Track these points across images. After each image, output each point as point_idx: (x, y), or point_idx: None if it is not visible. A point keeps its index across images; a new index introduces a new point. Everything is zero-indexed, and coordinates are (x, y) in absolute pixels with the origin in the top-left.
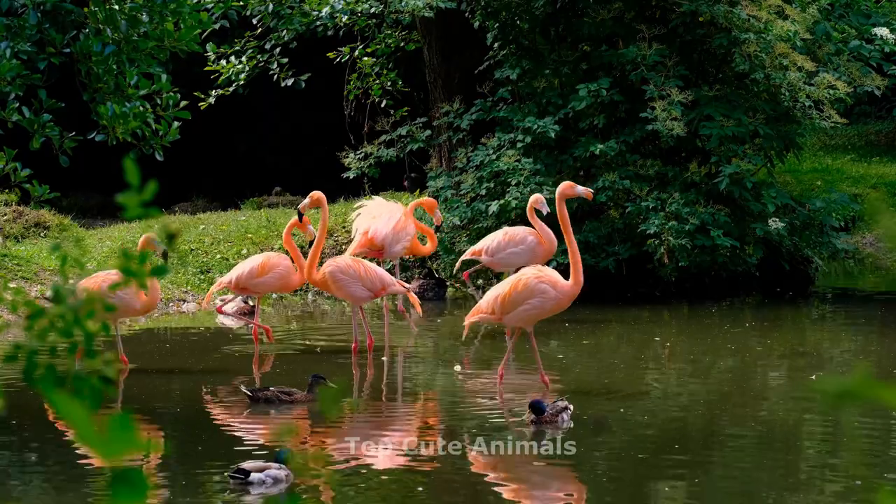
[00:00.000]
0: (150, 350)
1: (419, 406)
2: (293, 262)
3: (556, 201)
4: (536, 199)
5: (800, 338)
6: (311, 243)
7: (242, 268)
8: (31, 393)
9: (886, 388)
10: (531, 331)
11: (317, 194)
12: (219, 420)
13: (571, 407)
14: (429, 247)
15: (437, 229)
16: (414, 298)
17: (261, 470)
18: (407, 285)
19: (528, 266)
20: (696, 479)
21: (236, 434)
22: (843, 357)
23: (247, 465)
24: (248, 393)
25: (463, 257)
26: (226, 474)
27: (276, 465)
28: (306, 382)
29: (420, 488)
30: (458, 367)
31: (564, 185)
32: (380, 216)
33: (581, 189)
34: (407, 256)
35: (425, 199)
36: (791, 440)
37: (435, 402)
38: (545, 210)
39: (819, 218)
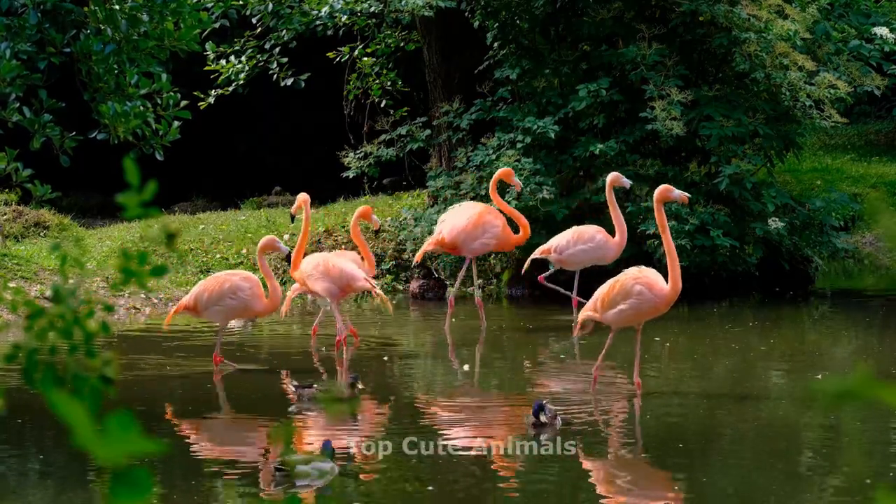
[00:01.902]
0: (152, 350)
1: (420, 405)
2: (361, 256)
3: (655, 205)
4: (616, 177)
5: (800, 338)
6: (376, 232)
7: None
8: (31, 393)
9: (886, 388)
10: (638, 329)
11: (301, 197)
12: (225, 418)
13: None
14: (520, 236)
15: (519, 195)
16: (382, 297)
17: (306, 463)
18: (374, 283)
19: (598, 263)
20: (697, 478)
21: (248, 433)
22: (843, 357)
23: (292, 457)
24: (294, 388)
25: (532, 256)
26: (271, 467)
27: (322, 457)
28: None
29: (430, 487)
30: (466, 367)
31: (662, 189)
32: (458, 216)
33: (677, 193)
34: (492, 252)
35: (502, 169)
36: (792, 440)
37: (435, 401)
38: (627, 184)
39: (819, 218)
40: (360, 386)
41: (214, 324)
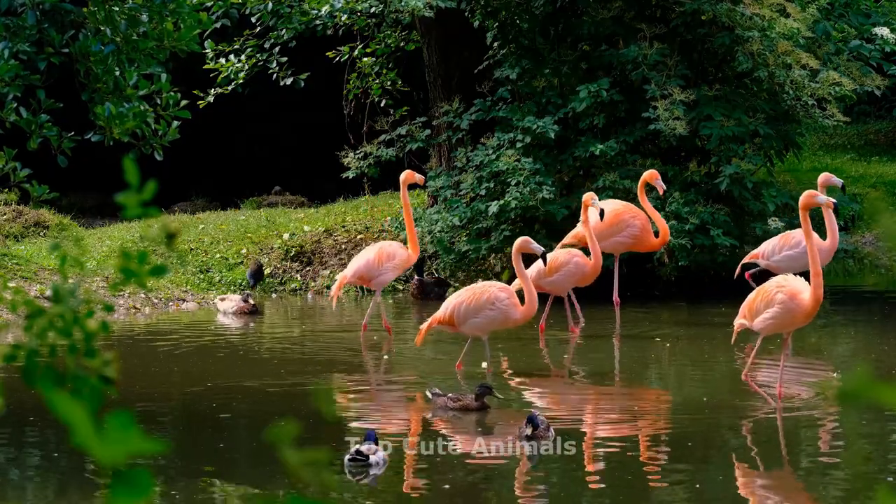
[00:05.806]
0: (153, 350)
1: (420, 405)
2: (588, 251)
3: (801, 213)
4: (826, 177)
5: (800, 338)
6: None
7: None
8: (31, 393)
9: (886, 388)
10: (761, 337)
11: (402, 177)
12: (220, 417)
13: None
14: (660, 239)
15: (661, 198)
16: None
17: (374, 452)
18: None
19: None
20: (697, 478)
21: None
22: (843, 357)
23: (363, 448)
24: (430, 396)
25: (743, 260)
26: (346, 458)
27: (377, 446)
28: (474, 391)
29: (428, 488)
30: (484, 364)
31: (807, 195)
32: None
33: (823, 198)
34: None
35: (648, 171)
36: (792, 440)
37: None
38: (839, 183)
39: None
40: (498, 396)
41: (227, 323)
